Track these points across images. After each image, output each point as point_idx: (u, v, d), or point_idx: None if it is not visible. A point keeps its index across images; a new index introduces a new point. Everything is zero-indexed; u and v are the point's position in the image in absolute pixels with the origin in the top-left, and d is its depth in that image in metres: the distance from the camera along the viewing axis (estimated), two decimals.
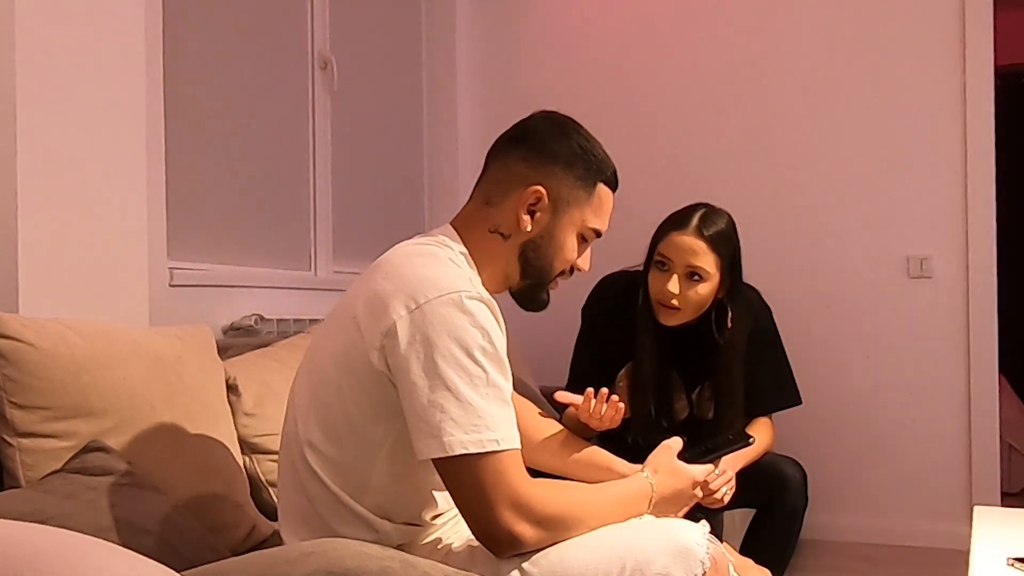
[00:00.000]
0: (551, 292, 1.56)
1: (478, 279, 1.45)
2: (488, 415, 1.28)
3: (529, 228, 1.47)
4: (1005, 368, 3.78)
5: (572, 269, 1.55)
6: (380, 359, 1.32)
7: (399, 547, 1.37)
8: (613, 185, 1.54)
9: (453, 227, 1.51)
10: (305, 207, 3.13)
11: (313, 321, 2.80)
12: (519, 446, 1.31)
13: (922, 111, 3.50)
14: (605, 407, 1.86)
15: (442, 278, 1.33)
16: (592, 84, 3.89)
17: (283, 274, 3.01)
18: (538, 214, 1.47)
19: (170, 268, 2.41)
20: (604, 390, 1.88)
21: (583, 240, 1.53)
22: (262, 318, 2.70)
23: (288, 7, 3.05)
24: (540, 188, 1.46)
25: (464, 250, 1.47)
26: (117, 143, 2.07)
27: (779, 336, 2.41)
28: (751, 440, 1.71)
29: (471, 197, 1.53)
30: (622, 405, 1.88)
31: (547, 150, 1.47)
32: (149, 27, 2.21)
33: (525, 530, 1.29)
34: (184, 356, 1.88)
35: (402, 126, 3.79)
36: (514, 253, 1.49)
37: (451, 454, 1.27)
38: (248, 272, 2.80)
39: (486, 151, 1.57)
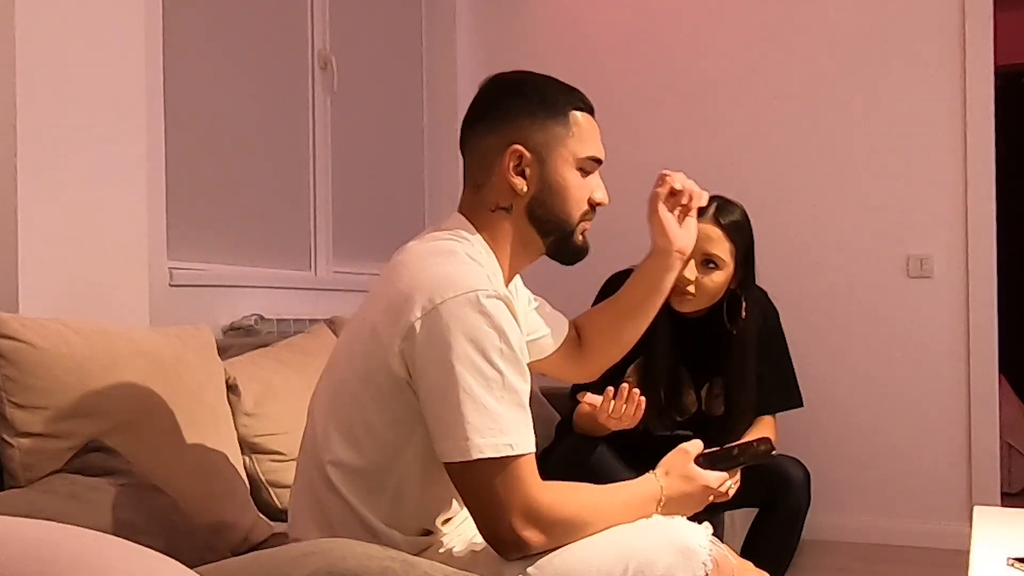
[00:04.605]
0: (586, 236, 1.52)
1: (498, 271, 1.44)
2: (503, 419, 1.27)
3: (525, 188, 1.44)
4: (1005, 368, 3.78)
5: (593, 208, 1.51)
6: (400, 364, 1.31)
7: None
8: (587, 108, 1.50)
9: (463, 215, 1.49)
10: (305, 207, 3.13)
11: (313, 321, 2.80)
12: (533, 449, 1.31)
13: (922, 111, 3.50)
14: (625, 406, 1.86)
15: (459, 276, 1.31)
16: (592, 84, 3.86)
17: (283, 274, 3.01)
18: (527, 170, 1.44)
19: (170, 268, 2.41)
20: (624, 386, 1.88)
21: (586, 174, 1.48)
22: (262, 318, 2.70)
23: (288, 7, 3.05)
24: (516, 146, 1.43)
25: (481, 238, 1.46)
26: (117, 143, 2.07)
27: (784, 338, 2.42)
28: (774, 453, 1.63)
29: (464, 186, 1.51)
30: (643, 400, 1.88)
31: (504, 110, 1.45)
32: (149, 27, 2.21)
33: (533, 536, 1.29)
34: (184, 356, 1.88)
35: (402, 126, 3.79)
36: (523, 219, 1.47)
37: (467, 458, 1.26)
38: (248, 272, 2.80)
39: None
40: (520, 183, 1.44)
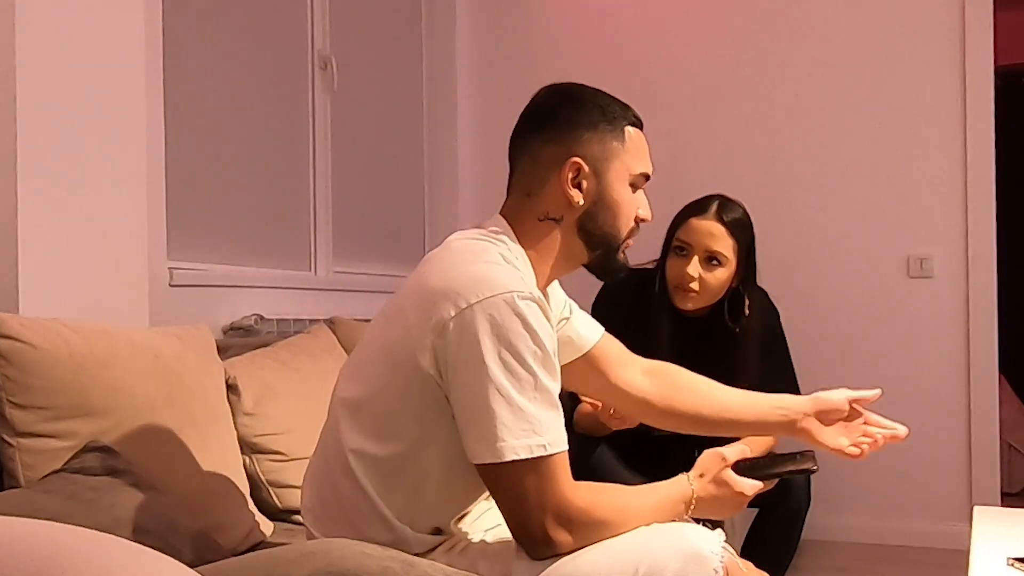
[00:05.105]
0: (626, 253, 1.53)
1: (531, 274, 1.44)
2: (536, 419, 1.28)
3: (581, 201, 1.44)
4: (1005, 368, 3.78)
5: (638, 224, 1.51)
6: (430, 360, 1.31)
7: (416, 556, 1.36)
8: (639, 124, 1.51)
9: (504, 218, 1.48)
10: (305, 207, 3.13)
11: (313, 321, 2.80)
12: (566, 447, 1.32)
13: (922, 111, 3.50)
14: None
15: (493, 277, 1.31)
16: (592, 83, 3.87)
17: (283, 274, 3.01)
18: (584, 184, 1.44)
19: (170, 268, 2.41)
20: None
21: (635, 189, 1.50)
22: (262, 318, 2.70)
23: (288, 7, 3.05)
24: (576, 159, 1.44)
25: (516, 242, 1.45)
26: (117, 143, 2.07)
27: (785, 338, 2.42)
28: (816, 468, 1.59)
29: (509, 190, 1.50)
30: None
31: (565, 121, 1.45)
32: (149, 27, 2.21)
33: (563, 536, 1.30)
34: (184, 356, 1.88)
35: (402, 126, 3.79)
36: (572, 232, 1.47)
37: (501, 460, 1.27)
38: (248, 272, 2.79)
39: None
40: (576, 195, 1.44)
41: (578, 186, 1.44)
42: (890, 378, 3.54)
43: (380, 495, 1.37)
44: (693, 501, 1.44)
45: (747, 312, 2.29)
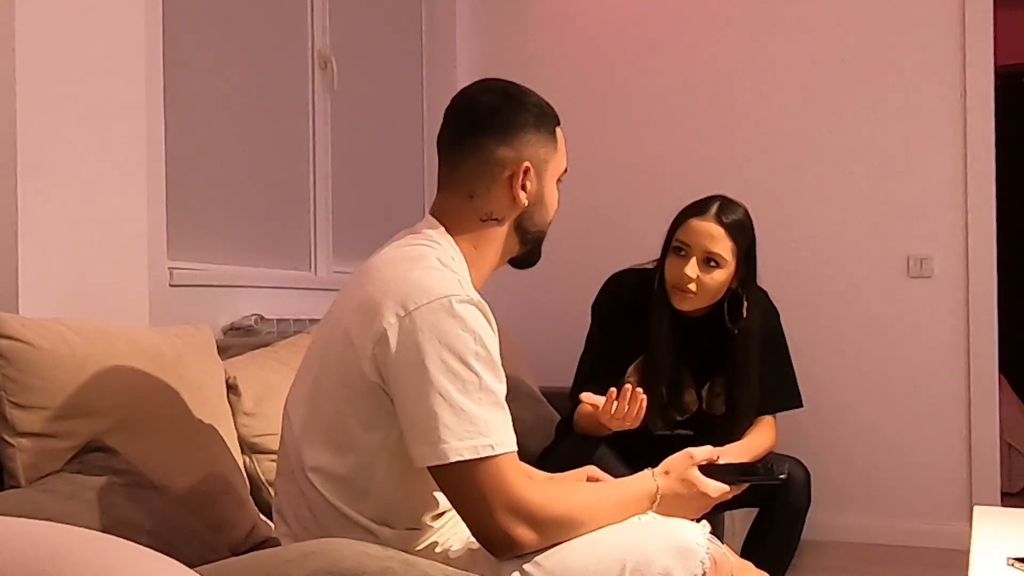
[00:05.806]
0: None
1: (467, 277, 1.44)
2: (481, 420, 1.27)
3: (526, 203, 1.48)
4: (1005, 368, 3.78)
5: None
6: (372, 369, 1.32)
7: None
8: (559, 122, 1.55)
9: (438, 220, 1.49)
10: (305, 207, 3.13)
11: (313, 321, 2.80)
12: (515, 448, 1.31)
13: (922, 111, 3.50)
14: (628, 406, 1.87)
15: (431, 282, 1.32)
16: (592, 84, 3.89)
17: (283, 274, 3.01)
18: (528, 185, 1.47)
19: (170, 268, 2.41)
20: (628, 387, 1.88)
21: (558, 184, 1.55)
22: (262, 318, 2.70)
23: (288, 7, 3.05)
24: (527, 163, 1.46)
25: (453, 243, 1.46)
26: (117, 143, 2.07)
27: (785, 338, 2.42)
28: (782, 477, 1.63)
29: (446, 191, 1.52)
30: (645, 400, 1.89)
31: (516, 125, 1.47)
32: (149, 27, 2.21)
33: (523, 534, 1.29)
34: (184, 356, 1.88)
35: (402, 126, 3.79)
36: (511, 230, 1.50)
37: (446, 462, 1.27)
38: (248, 272, 2.79)
39: None
40: (523, 197, 1.47)
41: (523, 187, 1.47)
42: (890, 378, 3.55)
43: (350, 507, 1.38)
44: (657, 497, 1.45)
45: (745, 314, 2.29)
